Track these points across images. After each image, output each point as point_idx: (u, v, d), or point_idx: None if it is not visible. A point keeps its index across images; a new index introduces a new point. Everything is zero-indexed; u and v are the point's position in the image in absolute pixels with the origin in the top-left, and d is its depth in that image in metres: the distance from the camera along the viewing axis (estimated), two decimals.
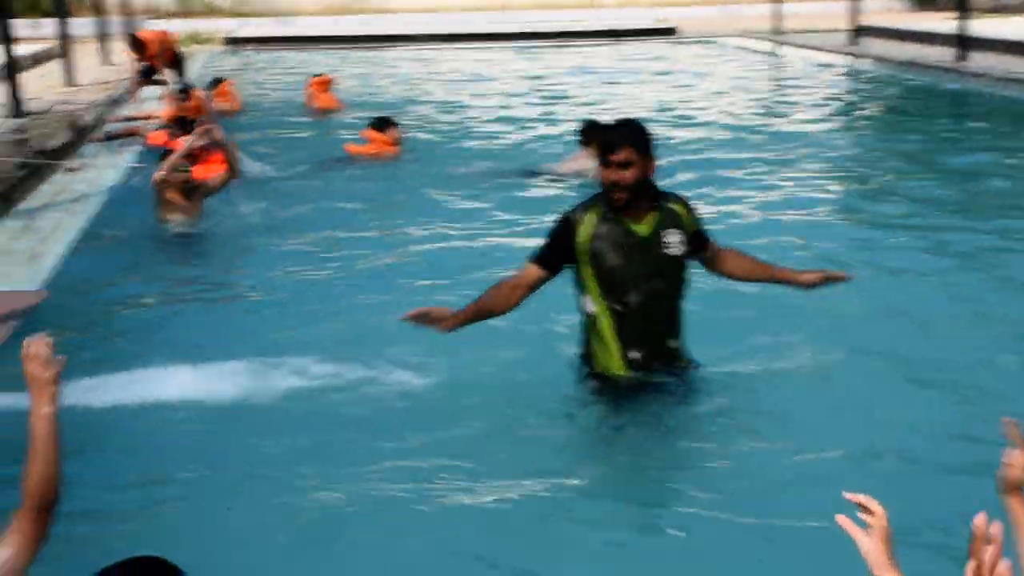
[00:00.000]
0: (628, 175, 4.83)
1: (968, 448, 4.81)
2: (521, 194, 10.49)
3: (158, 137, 12.58)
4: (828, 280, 5.31)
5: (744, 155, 12.38)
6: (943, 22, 23.49)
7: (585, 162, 9.97)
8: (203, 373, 5.74)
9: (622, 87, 19.88)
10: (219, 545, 4.18)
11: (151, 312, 7.23)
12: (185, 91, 15.10)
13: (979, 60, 19.45)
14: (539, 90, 19.47)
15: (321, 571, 4.12)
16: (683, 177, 10.83)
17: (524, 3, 38.84)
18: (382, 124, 12.85)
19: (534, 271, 5.06)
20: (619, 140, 4.88)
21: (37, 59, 19.52)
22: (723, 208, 9.52)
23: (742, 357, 5.77)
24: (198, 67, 20.36)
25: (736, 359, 5.71)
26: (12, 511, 3.02)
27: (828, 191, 10.74)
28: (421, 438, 5.10)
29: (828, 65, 22.06)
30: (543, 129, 14.92)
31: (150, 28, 21.37)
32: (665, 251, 4.97)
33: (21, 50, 15.64)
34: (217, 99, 16.43)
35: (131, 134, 13.88)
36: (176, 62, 18.55)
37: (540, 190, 10.56)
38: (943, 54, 20.44)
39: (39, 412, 3.10)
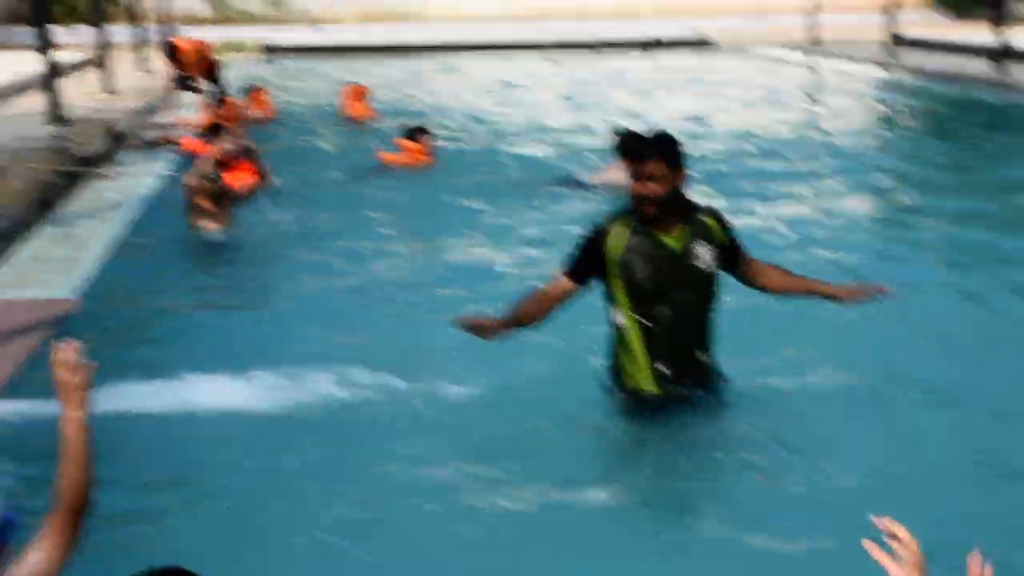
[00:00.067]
0: (659, 188, 4.82)
1: (994, 470, 4.76)
2: (554, 204, 10.49)
3: (192, 144, 12.68)
4: (867, 294, 5.22)
5: (778, 167, 12.34)
6: (981, 33, 23.31)
7: (619, 173, 9.91)
8: (232, 380, 5.78)
9: (657, 97, 19.86)
10: (246, 552, 4.20)
11: (182, 319, 7.27)
12: (220, 99, 15.23)
13: (1018, 72, 19.30)
14: (574, 100, 19.48)
15: None
16: (716, 189, 10.80)
17: (560, 13, 38.85)
18: (415, 133, 12.90)
19: (563, 283, 5.06)
20: (650, 153, 4.87)
21: (75, 67, 19.69)
22: (756, 220, 9.49)
23: (772, 372, 5.74)
24: (234, 75, 20.47)
25: (766, 374, 5.69)
26: (44, 515, 3.05)
27: (862, 204, 10.67)
28: (447, 448, 5.10)
29: (864, 76, 21.96)
30: (577, 139, 14.91)
31: (186, 36, 21.52)
32: (696, 264, 4.95)
33: (60, 58, 15.77)
34: (252, 107, 16.57)
35: (167, 141, 13.99)
36: (211, 70, 18.70)
37: (573, 200, 10.55)
38: (981, 66, 20.29)
39: (69, 417, 3.13)
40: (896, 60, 23.49)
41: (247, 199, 9.55)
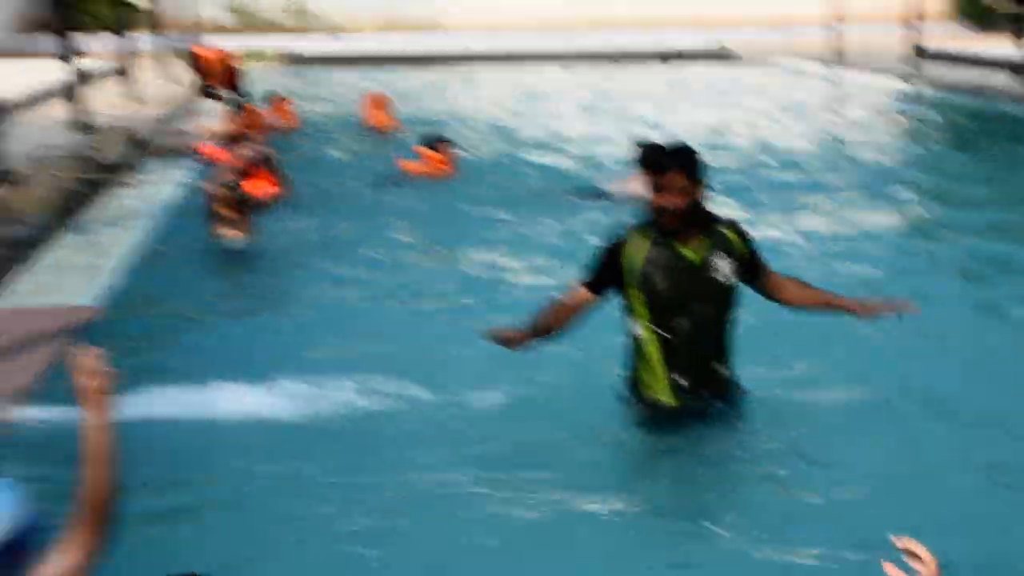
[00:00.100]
0: (678, 200, 4.84)
1: (1010, 485, 4.76)
2: (573, 214, 10.50)
3: (213, 152, 12.75)
4: (888, 310, 5.18)
5: (799, 179, 12.34)
6: (1003, 46, 23.24)
7: (639, 184, 9.95)
8: (252, 387, 5.82)
9: (680, 108, 19.86)
10: (264, 558, 4.24)
11: (203, 326, 7.30)
12: (242, 107, 15.31)
13: None
14: (594, 110, 19.50)
15: None
16: (736, 200, 10.80)
17: (583, 23, 38.88)
18: (436, 142, 12.94)
19: (581, 294, 5.07)
20: (670, 165, 4.90)
21: (99, 75, 19.82)
22: (777, 232, 9.48)
23: (790, 384, 5.74)
24: (256, 83, 20.56)
25: (784, 386, 5.69)
26: (68, 519, 3.09)
27: (883, 216, 10.63)
28: (466, 456, 5.13)
29: (886, 88, 21.91)
30: (597, 150, 14.93)
31: (209, 45, 21.64)
32: (715, 276, 4.96)
33: (83, 65, 15.89)
34: (275, 115, 16.66)
35: (189, 150, 14.07)
36: (233, 79, 18.81)
37: (592, 211, 10.56)
38: (1003, 78, 20.24)
39: (92, 423, 3.16)
40: (918, 72, 23.43)
41: (267, 207, 9.60)
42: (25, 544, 3.07)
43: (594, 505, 4.71)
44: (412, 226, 10.14)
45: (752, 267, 5.14)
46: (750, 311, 5.41)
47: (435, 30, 37.66)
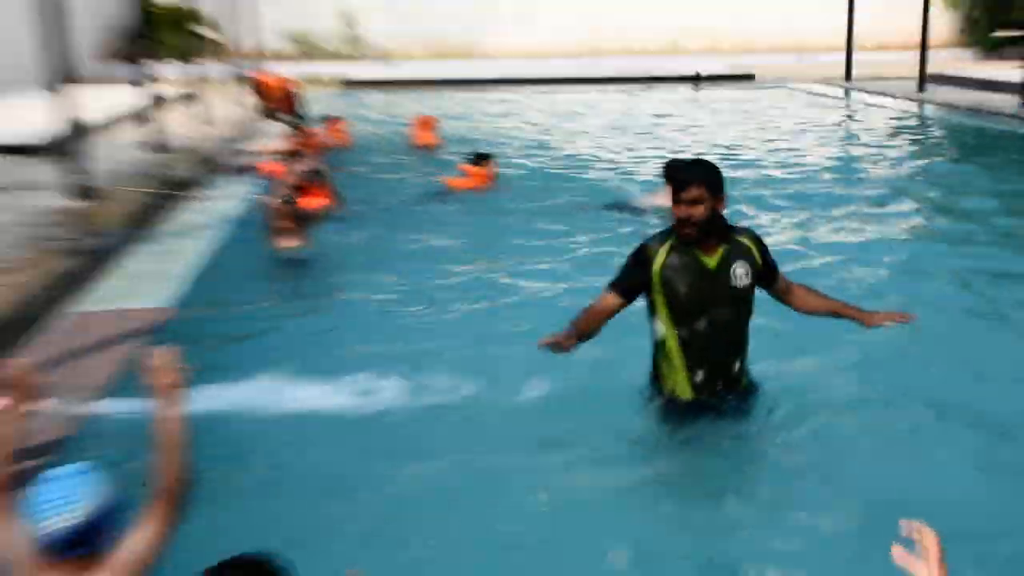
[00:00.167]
0: (698, 211, 4.85)
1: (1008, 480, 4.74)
2: (606, 225, 10.50)
3: (272, 168, 12.84)
4: (893, 321, 5.15)
5: (814, 194, 12.26)
6: (1010, 70, 23.01)
7: (667, 197, 9.94)
8: (309, 381, 5.87)
9: (703, 128, 19.81)
10: (317, 536, 4.29)
11: (263, 327, 7.37)
12: (299, 128, 15.41)
13: None
14: (625, 130, 19.49)
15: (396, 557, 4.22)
16: (755, 212, 10.78)
17: (612, 49, 38.85)
18: (479, 159, 12.99)
19: (612, 299, 5.07)
20: (690, 178, 4.89)
21: (171, 100, 20.02)
22: (792, 243, 9.45)
23: (800, 381, 5.76)
24: (313, 106, 20.69)
25: (795, 382, 5.70)
26: (144, 503, 3.16)
27: (894, 229, 10.57)
28: (503, 442, 5.22)
29: (898, 110, 21.74)
30: (628, 166, 14.93)
31: (271, 72, 21.80)
32: (732, 282, 4.96)
33: (160, 91, 16.06)
34: (329, 135, 16.76)
35: (253, 167, 14.19)
36: (293, 102, 18.92)
37: (623, 222, 10.56)
38: (1007, 101, 20.05)
39: (166, 416, 3.23)
40: (928, 95, 23.25)
41: (321, 218, 9.68)
42: (106, 523, 3.14)
43: (618, 485, 4.78)
44: (456, 236, 10.18)
45: (767, 274, 5.14)
46: (764, 314, 5.42)
47: (476, 57, 37.74)
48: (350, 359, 6.33)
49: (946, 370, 6.06)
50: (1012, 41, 27.53)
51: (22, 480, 3.24)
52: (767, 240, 5.25)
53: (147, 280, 8.59)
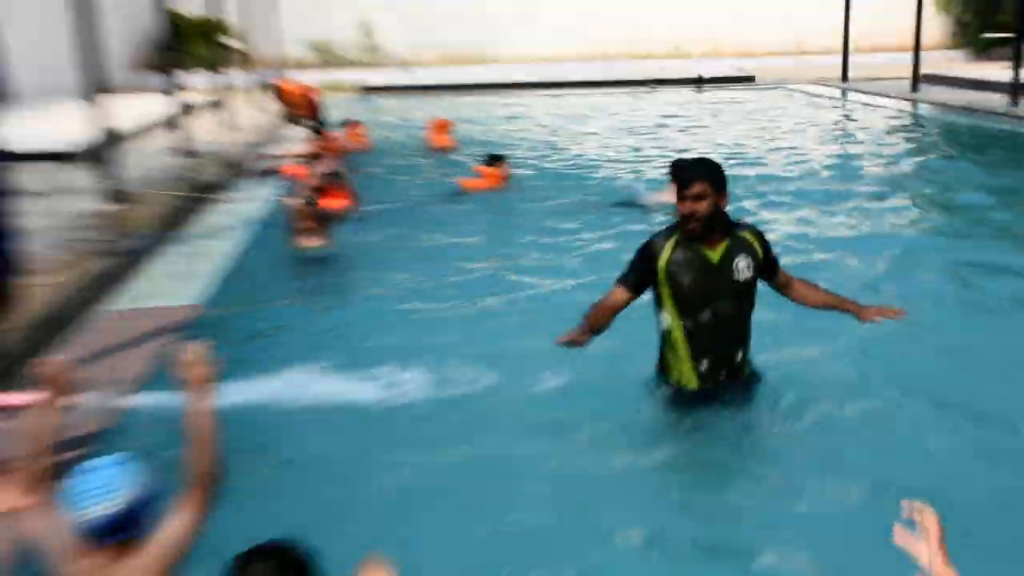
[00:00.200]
0: (702, 207, 4.84)
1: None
2: (614, 222, 10.49)
3: (294, 171, 12.85)
4: (886, 316, 5.12)
5: (812, 190, 12.22)
6: (999, 70, 22.89)
7: (671, 195, 9.92)
8: (331, 372, 5.89)
9: (706, 128, 19.75)
10: (348, 519, 4.31)
11: (288, 322, 7.38)
12: (320, 132, 15.40)
13: None
14: (632, 130, 19.44)
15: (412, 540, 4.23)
16: (756, 208, 10.75)
17: (618, 53, 38.78)
18: (493, 160, 12.98)
19: (621, 293, 5.07)
20: (694, 175, 4.89)
21: (199, 107, 20.04)
22: (790, 237, 9.43)
23: (799, 369, 5.75)
24: (334, 112, 20.70)
25: (794, 371, 5.69)
26: (179, 490, 3.17)
27: (888, 224, 10.53)
28: (519, 428, 5.26)
29: (891, 110, 21.64)
30: (635, 165, 14.89)
31: (293, 79, 21.79)
32: (735, 275, 4.95)
33: (186, 99, 16.09)
34: (350, 139, 16.76)
35: (277, 171, 14.20)
36: (314, 108, 18.92)
37: (631, 220, 10.55)
38: (997, 100, 19.95)
39: (198, 409, 3.24)
40: (921, 95, 23.14)
41: (341, 218, 9.69)
42: (143, 510, 3.15)
43: (627, 470, 4.81)
44: (471, 234, 10.18)
45: (768, 268, 5.13)
46: (766, 307, 5.41)
47: (488, 63, 37.72)
48: (370, 352, 6.34)
49: (940, 359, 6.04)
50: (1000, 43, 27.36)
51: (61, 471, 3.25)
52: (768, 235, 5.24)
53: (177, 279, 8.62)
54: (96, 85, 10.86)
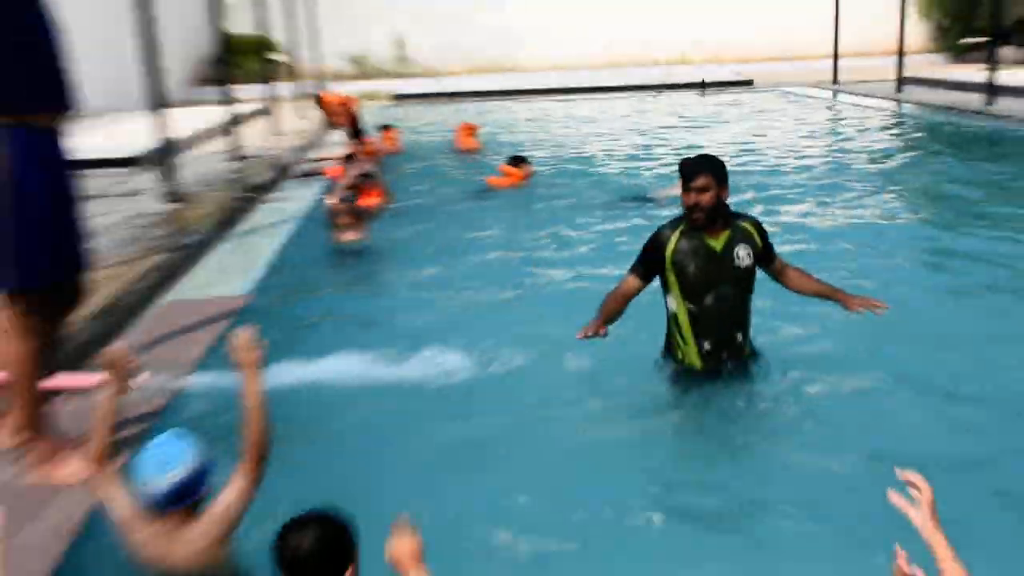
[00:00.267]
0: (705, 199, 4.83)
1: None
2: (626, 216, 10.45)
3: (333, 171, 12.87)
4: (869, 307, 5.00)
5: (805, 183, 12.15)
6: (976, 72, 22.65)
7: (678, 188, 9.86)
8: (369, 355, 5.88)
9: (709, 127, 19.65)
10: (386, 486, 4.31)
11: (329, 309, 7.38)
12: (358, 137, 15.41)
13: (1006, 104, 18.76)
14: (642, 131, 19.36)
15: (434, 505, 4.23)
16: (756, 201, 10.68)
17: (628, 60, 38.65)
18: (517, 161, 12.96)
19: (633, 281, 5.06)
20: (699, 169, 4.88)
21: (250, 116, 20.11)
22: (787, 229, 9.36)
23: (798, 350, 5.72)
24: (370, 118, 20.71)
25: (793, 352, 5.66)
26: (233, 464, 3.19)
27: (877, 215, 10.44)
28: (538, 403, 5.24)
29: (878, 109, 21.47)
30: (645, 163, 14.83)
31: (334, 90, 21.84)
32: (736, 263, 4.94)
33: (238, 109, 16.15)
34: (384, 142, 16.77)
35: (319, 172, 14.23)
36: (353, 115, 18.94)
37: (643, 213, 10.50)
38: (974, 99, 19.75)
39: (249, 388, 3.26)
40: (905, 95, 22.93)
41: (376, 215, 9.69)
42: (202, 481, 3.18)
43: (636, 437, 4.81)
44: (496, 228, 10.16)
45: (766, 256, 5.10)
46: (766, 293, 5.38)
47: (511, 71, 37.66)
48: (404, 336, 6.34)
49: (924, 341, 5.96)
50: (977, 47, 27.09)
51: (125, 447, 3.27)
52: (766, 225, 5.21)
53: (230, 272, 8.64)
54: (158, 99, 10.91)
